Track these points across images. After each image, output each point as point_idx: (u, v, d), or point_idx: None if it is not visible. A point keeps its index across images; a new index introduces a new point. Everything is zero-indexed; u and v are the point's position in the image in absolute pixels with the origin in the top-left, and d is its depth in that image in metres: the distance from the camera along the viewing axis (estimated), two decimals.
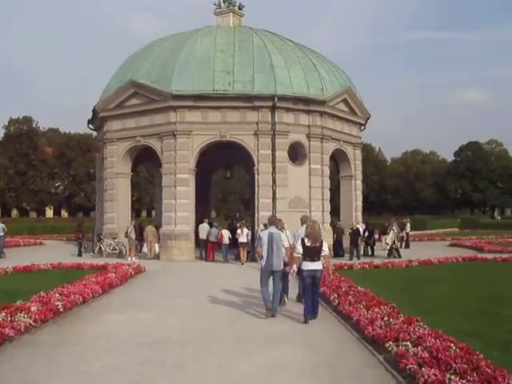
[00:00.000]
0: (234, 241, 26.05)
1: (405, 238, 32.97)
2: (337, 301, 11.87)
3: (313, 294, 11.08)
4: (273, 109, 25.49)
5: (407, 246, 32.71)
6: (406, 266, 20.64)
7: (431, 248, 32.48)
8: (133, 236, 25.86)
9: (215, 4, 32.06)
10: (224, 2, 31.96)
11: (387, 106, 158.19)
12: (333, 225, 27.97)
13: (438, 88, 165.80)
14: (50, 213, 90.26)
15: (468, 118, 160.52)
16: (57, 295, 12.04)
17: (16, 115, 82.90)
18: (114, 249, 27.13)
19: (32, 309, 10.34)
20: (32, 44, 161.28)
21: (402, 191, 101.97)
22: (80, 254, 27.70)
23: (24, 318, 9.75)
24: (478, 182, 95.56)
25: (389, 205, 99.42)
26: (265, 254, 11.58)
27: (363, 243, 27.82)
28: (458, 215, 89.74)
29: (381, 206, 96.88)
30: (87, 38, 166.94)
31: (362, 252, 27.49)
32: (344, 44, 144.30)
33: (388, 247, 26.60)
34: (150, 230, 26.29)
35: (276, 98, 25.25)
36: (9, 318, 9.59)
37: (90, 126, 31.63)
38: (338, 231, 27.30)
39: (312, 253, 10.99)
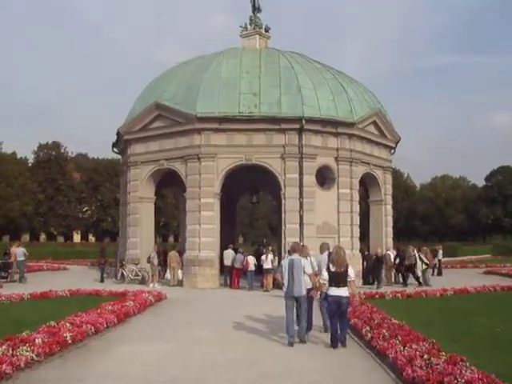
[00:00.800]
0: (260, 267, 25.14)
1: (437, 265, 31.78)
2: (369, 335, 10.89)
3: (341, 322, 10.94)
4: (300, 131, 24.71)
5: (440, 274, 31.52)
6: (440, 295, 19.55)
7: (465, 276, 31.24)
8: (155, 262, 25.15)
9: (241, 26, 31.64)
10: (250, 24, 31.53)
11: (414, 131, 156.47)
12: (362, 251, 26.93)
13: (466, 112, 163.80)
14: (77, 237, 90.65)
15: (497, 141, 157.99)
16: (67, 325, 11.29)
17: (46, 141, 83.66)
18: (137, 275, 26.41)
19: (37, 341, 9.57)
20: (62, 69, 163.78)
21: (432, 217, 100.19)
22: (102, 280, 27.10)
23: (26, 351, 8.98)
24: (510, 207, 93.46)
25: (418, 231, 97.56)
26: (285, 281, 11.54)
27: (394, 270, 26.75)
28: (490, 241, 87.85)
29: (410, 233, 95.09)
30: (114, 63, 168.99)
31: (393, 280, 26.47)
32: (370, 68, 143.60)
33: (420, 276, 25.59)
34: (173, 255, 25.57)
35: (303, 121, 24.47)
36: (10, 352, 8.83)
37: (114, 149, 31.18)
38: (367, 258, 26.25)
39: (337, 278, 10.93)
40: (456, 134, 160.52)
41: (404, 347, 9.13)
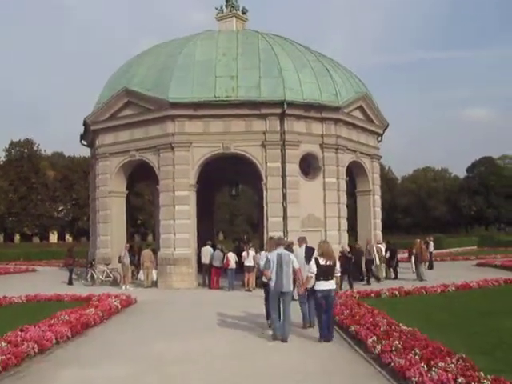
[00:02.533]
0: (241, 265, 23.18)
1: (428, 258, 30.05)
2: (378, 347, 8.87)
3: (327, 315, 10.87)
4: (282, 116, 22.78)
5: (431, 267, 29.81)
6: (441, 292, 17.78)
7: (457, 269, 29.75)
8: (127, 261, 23.05)
9: (217, 8, 29.70)
10: (226, 6, 29.57)
11: (395, 124, 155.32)
12: (350, 245, 25.05)
13: (446, 106, 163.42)
14: (54, 238, 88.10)
15: (477, 135, 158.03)
16: (2, 344, 9.12)
17: (18, 138, 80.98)
18: (108, 276, 24.30)
19: None
20: (41, 68, 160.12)
21: (414, 210, 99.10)
22: (70, 283, 24.98)
23: None
24: (492, 198, 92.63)
25: (400, 224, 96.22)
26: (273, 276, 11.23)
27: (385, 265, 25.01)
28: (472, 233, 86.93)
29: (392, 226, 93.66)
30: (94, 60, 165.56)
31: (384, 275, 24.73)
32: (352, 61, 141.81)
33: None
34: (146, 254, 23.51)
35: (285, 105, 22.52)
36: None
37: (82, 141, 28.92)
38: (356, 253, 24.44)
39: (326, 272, 10.91)
40: (436, 128, 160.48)
41: (428, 366, 7.17)
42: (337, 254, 22.34)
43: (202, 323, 13.49)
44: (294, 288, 11.81)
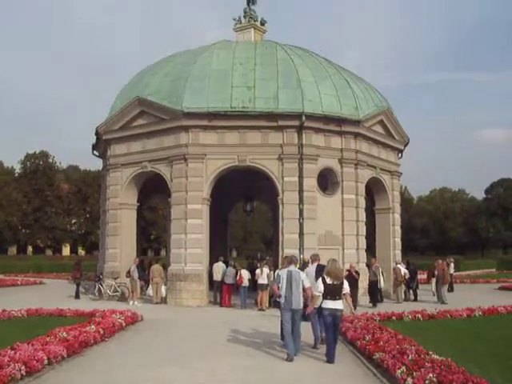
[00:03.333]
0: (254, 283, 22.19)
1: (449, 280, 28.88)
2: (410, 380, 7.77)
3: (333, 335, 10.80)
4: (300, 129, 21.91)
5: (451, 290, 28.60)
6: (467, 316, 16.65)
7: (479, 292, 28.69)
8: (135, 276, 22.19)
9: (234, 19, 29.03)
10: (245, 17, 28.90)
11: (411, 144, 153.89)
12: (368, 265, 24.00)
13: (462, 127, 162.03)
14: (66, 251, 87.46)
15: (494, 156, 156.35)
16: None
17: (34, 150, 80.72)
18: (116, 291, 23.42)
19: None
20: (57, 80, 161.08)
21: (430, 231, 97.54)
22: (77, 297, 24.19)
23: None
24: (511, 220, 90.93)
25: (416, 245, 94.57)
26: (283, 293, 11.21)
27: (404, 286, 23.92)
28: (488, 255, 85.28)
29: (408, 246, 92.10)
30: (108, 72, 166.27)
31: (403, 296, 23.63)
32: (368, 79, 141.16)
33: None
34: (156, 269, 22.59)
35: (304, 117, 21.65)
36: None
37: (94, 152, 28.18)
38: (375, 273, 23.37)
39: (333, 291, 10.82)
40: (454, 148, 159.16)
41: None
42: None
43: (213, 346, 12.46)
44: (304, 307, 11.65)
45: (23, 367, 8.37)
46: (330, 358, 10.63)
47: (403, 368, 8.25)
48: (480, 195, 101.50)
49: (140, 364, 10.35)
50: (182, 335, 14.13)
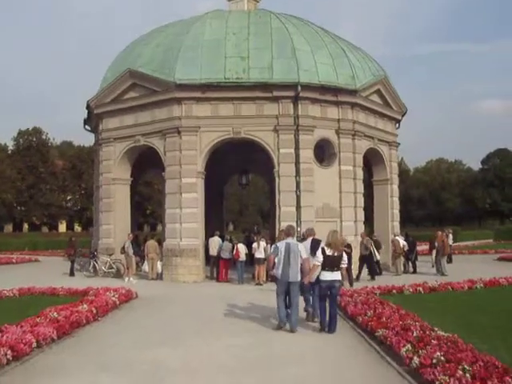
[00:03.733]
0: (251, 257, 21.84)
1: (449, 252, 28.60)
2: (417, 360, 7.31)
3: (331, 306, 10.79)
4: (295, 100, 21.37)
5: (450, 261, 28.30)
6: (468, 289, 16.32)
7: (477, 263, 28.46)
8: (130, 252, 21.80)
9: None
10: None
11: (407, 116, 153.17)
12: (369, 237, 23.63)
13: (458, 99, 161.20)
14: (63, 227, 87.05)
15: (490, 127, 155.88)
16: None
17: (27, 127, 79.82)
18: (111, 267, 23.06)
19: None
20: (51, 57, 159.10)
21: (427, 202, 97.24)
22: (72, 274, 23.80)
23: None
24: (508, 191, 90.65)
25: (412, 216, 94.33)
26: (281, 265, 11.10)
27: (403, 258, 23.61)
28: (485, 226, 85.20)
29: (405, 218, 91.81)
30: (99, 47, 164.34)
31: (402, 268, 23.34)
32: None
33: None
34: (151, 244, 22.21)
35: (299, 87, 21.10)
36: None
37: (86, 126, 27.61)
38: (374, 245, 23.06)
39: (332, 262, 10.82)
40: (450, 120, 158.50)
41: None
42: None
43: (209, 323, 12.08)
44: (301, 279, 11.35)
45: (9, 351, 7.94)
46: (329, 328, 10.65)
47: (408, 346, 7.87)
48: (476, 166, 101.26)
49: (134, 344, 9.94)
50: (178, 312, 13.75)
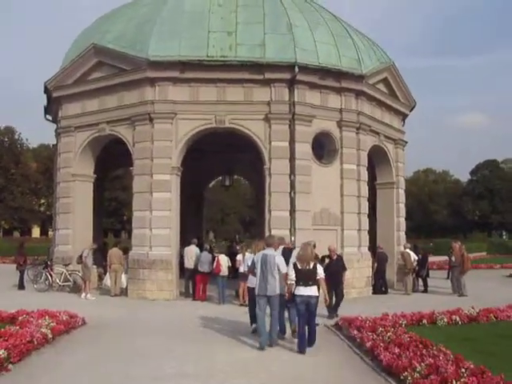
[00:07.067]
0: (235, 271, 18.23)
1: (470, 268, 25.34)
2: None
3: (309, 321, 10.26)
4: (291, 83, 17.92)
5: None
6: None
7: (490, 280, 25.82)
8: (89, 263, 18.13)
9: None
10: None
11: None
12: (372, 249, 20.23)
13: (444, 112, 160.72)
14: (36, 232, 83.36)
15: (475, 140, 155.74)
16: None
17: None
18: (67, 280, 19.33)
19: None
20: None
21: (414, 213, 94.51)
22: (21, 287, 20.08)
23: None
24: (497, 203, 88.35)
25: None
26: (257, 278, 10.52)
27: (413, 275, 20.23)
28: (472, 238, 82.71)
29: None
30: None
31: (411, 287, 19.96)
32: None
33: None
34: (114, 253, 18.51)
35: (296, 68, 17.64)
36: None
37: (47, 116, 23.84)
38: (379, 258, 19.67)
39: (305, 276, 10.25)
40: (436, 132, 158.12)
41: None
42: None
43: (173, 369, 8.38)
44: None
45: None
46: (301, 348, 9.91)
47: None
48: (464, 178, 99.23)
49: None
50: (134, 352, 9.84)
